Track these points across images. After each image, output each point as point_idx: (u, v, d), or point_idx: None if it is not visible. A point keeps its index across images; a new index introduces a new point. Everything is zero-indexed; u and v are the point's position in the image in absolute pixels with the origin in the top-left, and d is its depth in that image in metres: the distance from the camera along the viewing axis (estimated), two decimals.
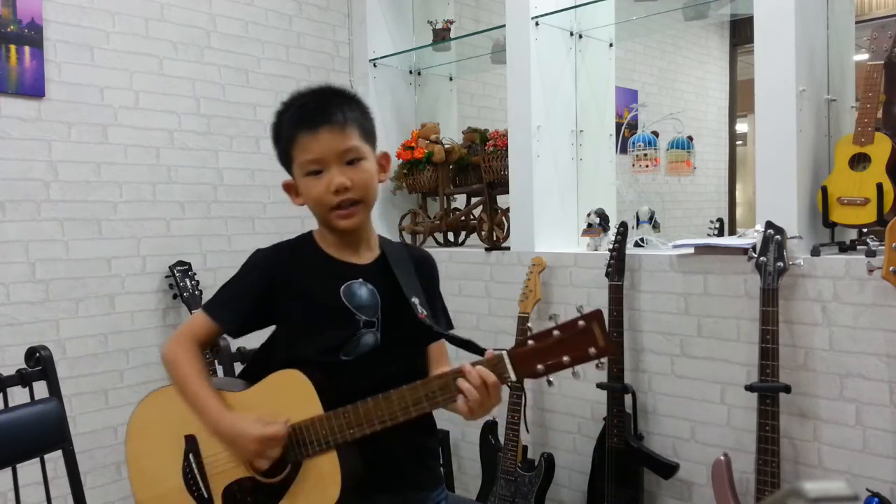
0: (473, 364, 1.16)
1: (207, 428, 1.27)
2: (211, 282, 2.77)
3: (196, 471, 1.30)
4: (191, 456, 1.31)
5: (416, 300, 1.32)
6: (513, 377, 1.14)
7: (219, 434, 1.25)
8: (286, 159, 1.31)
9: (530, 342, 1.13)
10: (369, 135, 1.32)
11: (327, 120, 1.24)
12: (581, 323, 1.11)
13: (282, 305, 1.31)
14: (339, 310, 1.28)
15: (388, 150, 3.24)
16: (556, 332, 1.12)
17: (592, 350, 1.10)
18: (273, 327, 1.39)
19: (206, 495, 1.30)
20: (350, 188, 1.25)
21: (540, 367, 1.12)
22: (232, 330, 1.34)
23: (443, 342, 1.41)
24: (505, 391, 1.21)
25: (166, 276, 2.66)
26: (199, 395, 1.27)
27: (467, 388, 1.14)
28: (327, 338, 1.28)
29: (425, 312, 1.34)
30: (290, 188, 1.35)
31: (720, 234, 2.51)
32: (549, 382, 1.16)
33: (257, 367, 1.38)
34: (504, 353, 1.15)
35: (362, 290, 1.30)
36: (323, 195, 1.26)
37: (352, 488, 1.22)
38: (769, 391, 1.82)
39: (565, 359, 1.11)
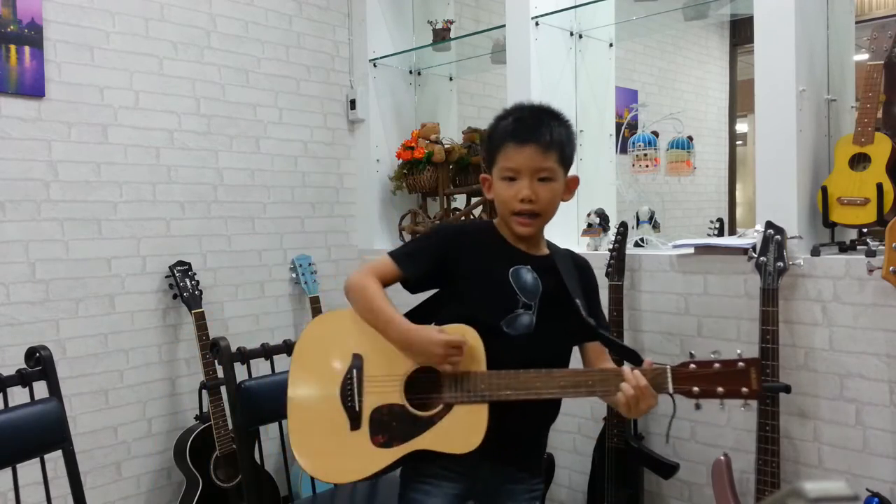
0: (633, 369, 1.30)
1: (396, 338, 1.37)
2: (211, 282, 2.77)
3: (356, 384, 1.39)
4: (354, 371, 1.40)
5: (579, 301, 1.42)
6: (671, 390, 1.28)
7: (409, 342, 1.36)
8: (490, 159, 1.45)
9: (692, 366, 1.28)
10: (567, 159, 1.44)
11: (536, 138, 1.37)
12: (741, 364, 1.25)
13: (458, 271, 1.44)
14: (505, 286, 1.41)
15: (389, 150, 3.30)
16: (717, 365, 1.26)
17: (745, 390, 1.25)
18: (434, 292, 1.51)
19: (357, 409, 1.38)
20: (534, 201, 1.39)
21: (696, 389, 1.27)
22: (411, 280, 1.45)
23: (603, 348, 1.52)
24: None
25: (166, 276, 2.66)
26: (386, 310, 1.39)
27: (626, 387, 1.28)
28: (491, 306, 1.40)
29: (586, 313, 1.43)
30: (485, 181, 1.49)
31: (720, 234, 2.51)
32: (698, 406, 1.29)
33: (422, 316, 1.48)
34: (668, 367, 1.29)
35: (528, 276, 1.43)
36: (510, 200, 1.40)
37: (484, 444, 1.30)
38: (769, 391, 1.82)
39: (719, 390, 1.26)
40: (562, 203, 1.46)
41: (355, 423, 1.38)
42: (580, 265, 1.54)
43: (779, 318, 1.85)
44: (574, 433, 2.53)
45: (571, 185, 1.47)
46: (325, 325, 1.51)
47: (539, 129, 1.38)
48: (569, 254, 1.54)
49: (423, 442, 1.34)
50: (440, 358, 1.32)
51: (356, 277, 1.45)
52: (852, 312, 1.88)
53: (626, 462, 2.21)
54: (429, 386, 1.37)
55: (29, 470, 1.58)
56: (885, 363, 1.84)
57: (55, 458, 1.59)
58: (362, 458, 1.36)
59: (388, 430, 1.36)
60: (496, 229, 1.48)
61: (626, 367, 1.31)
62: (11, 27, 2.28)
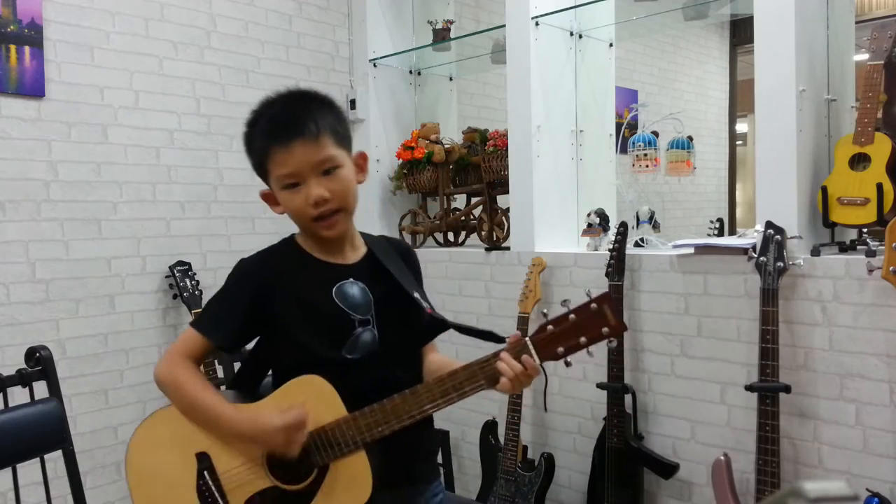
0: (497, 351, 1.20)
1: (230, 433, 1.24)
2: (211, 282, 2.77)
3: (213, 488, 1.26)
4: (206, 473, 1.26)
5: (417, 295, 1.32)
6: (537, 361, 1.19)
7: (241, 435, 1.23)
8: (262, 171, 1.30)
9: (549, 327, 1.19)
10: (344, 138, 1.29)
11: (300, 132, 1.22)
12: (593, 305, 1.18)
13: (275, 313, 1.29)
14: (334, 311, 1.28)
15: (389, 150, 3.30)
16: (571, 316, 1.19)
17: (605, 329, 1.17)
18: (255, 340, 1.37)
19: None
20: (329, 199, 1.25)
21: (560, 349, 1.19)
22: (225, 346, 1.33)
23: (432, 343, 1.44)
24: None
25: (166, 276, 2.66)
26: (208, 404, 1.25)
27: (504, 368, 1.18)
28: (326, 339, 1.28)
29: (430, 306, 1.34)
30: (268, 197, 1.34)
31: (720, 234, 2.51)
32: (567, 363, 1.21)
33: (248, 380, 1.38)
34: (527, 339, 1.20)
35: (354, 290, 1.31)
36: (302, 207, 1.25)
37: (376, 486, 1.22)
38: (769, 391, 1.82)
39: (582, 340, 1.18)
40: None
41: None
42: (402, 251, 1.43)
43: (779, 318, 1.85)
44: (574, 433, 2.53)
45: (361, 163, 1.34)
46: (152, 431, 1.31)
47: (300, 121, 1.22)
48: (386, 242, 1.43)
49: None
50: (282, 444, 1.20)
51: (164, 369, 1.29)
52: (852, 312, 1.88)
53: (626, 462, 2.21)
54: (293, 457, 1.23)
55: (29, 470, 1.58)
56: (885, 363, 1.84)
57: (55, 458, 1.59)
58: None
59: None
60: (302, 249, 1.34)
61: (492, 356, 1.20)
62: (11, 27, 2.28)
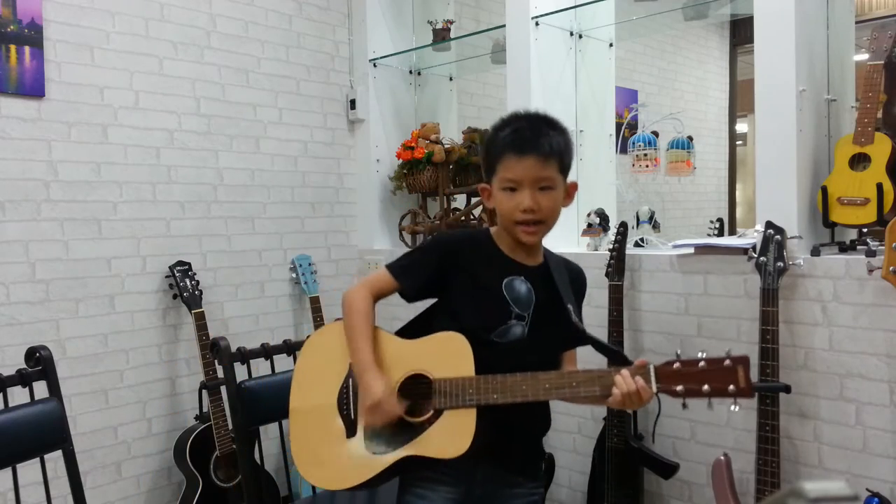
0: (620, 367, 1.29)
1: (355, 371, 1.43)
2: (211, 282, 2.77)
3: (351, 394, 1.45)
4: (350, 381, 1.46)
5: (570, 307, 1.44)
6: (654, 388, 1.26)
7: (359, 380, 1.41)
8: (490, 169, 1.45)
9: (676, 364, 1.26)
10: (566, 167, 1.44)
11: (535, 149, 1.38)
12: (728, 362, 1.22)
13: (452, 284, 1.46)
14: (498, 298, 1.43)
15: (389, 150, 3.30)
16: (702, 363, 1.23)
17: (732, 388, 1.21)
18: (435, 300, 1.54)
19: (352, 417, 1.44)
20: (537, 211, 1.39)
21: (679, 388, 1.24)
22: (410, 293, 1.50)
23: (574, 351, 1.55)
24: None
25: (166, 276, 2.66)
26: (359, 344, 1.43)
27: (619, 381, 1.27)
28: (483, 318, 1.42)
29: (576, 319, 1.44)
30: (485, 191, 1.50)
31: (720, 234, 2.51)
32: (684, 405, 1.26)
33: (415, 330, 1.51)
34: (651, 365, 1.27)
35: (522, 287, 1.45)
36: (512, 211, 1.40)
37: (474, 448, 1.32)
38: (769, 391, 1.82)
39: (705, 388, 1.22)
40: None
41: (351, 431, 1.43)
42: (573, 272, 1.56)
43: (779, 318, 1.85)
44: (574, 433, 2.53)
45: (571, 191, 1.48)
46: (325, 335, 1.55)
47: (538, 140, 1.39)
48: (563, 261, 1.57)
49: (415, 448, 1.36)
50: (366, 409, 1.37)
51: (351, 294, 1.49)
52: (852, 312, 1.88)
53: (626, 462, 2.21)
54: (421, 392, 1.39)
55: (29, 470, 1.58)
56: (885, 363, 1.84)
57: (55, 458, 1.59)
58: (358, 465, 1.39)
59: (381, 436, 1.39)
60: (493, 239, 1.50)
61: (613, 369, 1.30)
62: (11, 27, 2.28)
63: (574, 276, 1.55)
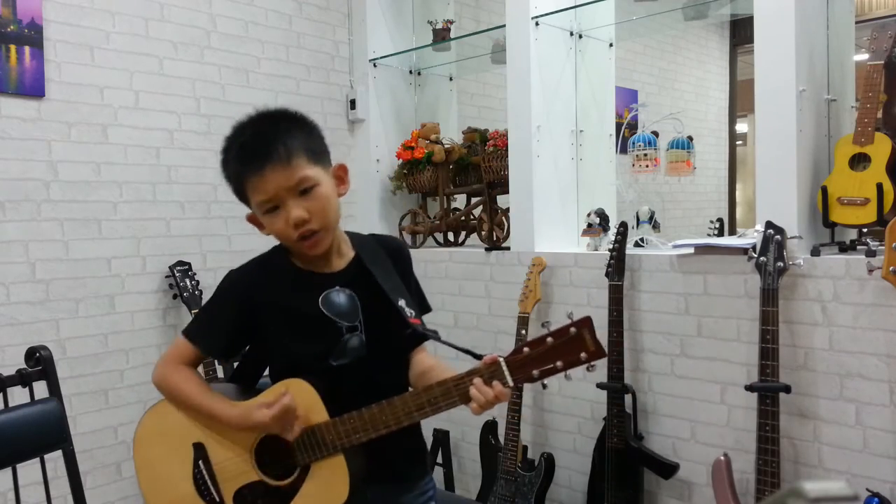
0: (472, 370, 1.21)
1: (228, 426, 1.32)
2: (211, 282, 2.77)
3: (207, 477, 1.36)
4: (200, 463, 1.36)
5: (402, 302, 1.34)
6: (510, 382, 1.19)
7: (241, 427, 1.31)
8: (242, 197, 1.32)
9: (525, 349, 1.19)
10: (318, 155, 1.30)
11: (269, 157, 1.23)
12: (572, 329, 1.16)
13: (263, 322, 1.34)
14: (321, 319, 1.31)
15: (389, 150, 3.30)
16: (549, 339, 1.17)
17: (583, 355, 1.16)
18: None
19: (217, 499, 1.35)
20: (308, 219, 1.26)
21: (535, 372, 1.18)
22: (214, 355, 1.41)
23: (424, 349, 1.45)
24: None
25: (166, 276, 2.66)
26: (203, 404, 1.33)
27: (476, 395, 1.19)
28: (314, 346, 1.32)
29: (413, 314, 1.36)
30: (254, 220, 1.35)
31: (720, 234, 2.51)
32: (544, 385, 1.21)
33: (247, 377, 1.45)
34: (501, 359, 1.20)
35: (340, 297, 1.34)
36: (284, 230, 1.27)
37: (353, 487, 1.27)
38: (769, 391, 1.82)
39: (558, 364, 1.17)
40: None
41: None
42: (390, 249, 1.44)
43: (779, 318, 1.85)
44: (574, 433, 2.53)
45: (342, 175, 1.35)
46: (157, 418, 1.43)
47: (269, 146, 1.24)
48: (375, 242, 1.44)
49: None
50: (280, 429, 1.27)
51: (158, 375, 1.39)
52: (852, 312, 1.88)
53: (626, 462, 2.21)
54: (280, 451, 1.31)
55: (29, 470, 1.58)
56: (885, 363, 1.84)
57: (55, 458, 1.59)
58: None
59: None
60: (289, 260, 1.37)
61: (466, 376, 1.21)
62: (11, 27, 2.28)
63: (392, 253, 1.43)
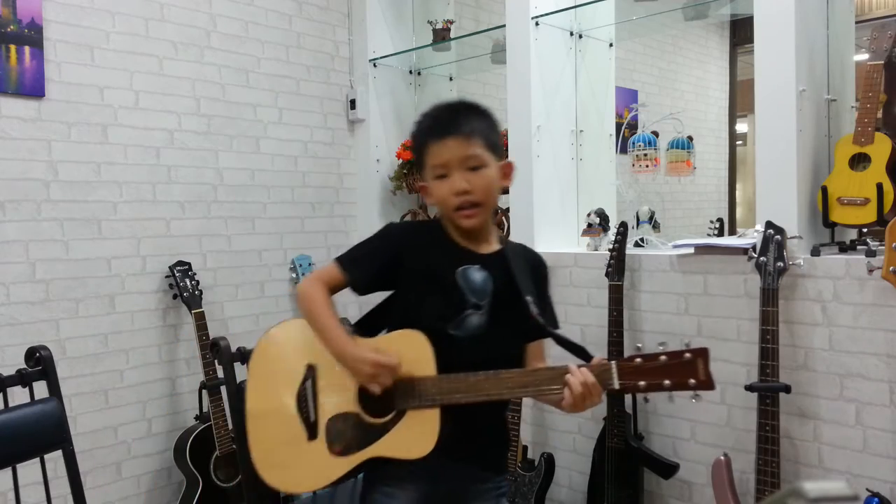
0: (580, 366, 1.27)
1: (333, 353, 1.38)
2: (211, 282, 2.77)
3: (310, 396, 1.42)
4: (308, 382, 1.43)
5: (529, 298, 1.41)
6: (616, 386, 1.26)
7: (342, 358, 1.36)
8: (420, 165, 1.45)
9: (638, 359, 1.25)
10: (493, 146, 1.42)
11: (454, 130, 1.38)
12: (687, 355, 1.22)
13: (405, 274, 1.43)
14: (453, 288, 1.39)
15: (389, 150, 3.29)
16: (662, 357, 1.23)
17: (692, 381, 1.22)
18: (390, 293, 1.50)
19: (312, 419, 1.41)
20: (470, 191, 1.37)
21: (642, 383, 1.24)
22: (358, 285, 1.46)
23: (543, 343, 1.51)
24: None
25: (166, 276, 2.66)
26: (328, 326, 1.40)
27: (574, 382, 1.26)
28: (438, 309, 1.39)
29: (537, 311, 1.42)
30: (423, 189, 1.47)
31: (720, 234, 2.51)
32: (646, 400, 1.29)
33: (373, 323, 1.51)
34: (613, 362, 1.26)
35: (477, 275, 1.41)
36: (447, 197, 1.38)
37: (439, 447, 1.31)
38: (769, 391, 1.82)
39: (666, 382, 1.23)
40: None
41: (312, 434, 1.41)
42: (532, 260, 1.52)
43: (779, 318, 1.85)
44: (574, 433, 2.53)
45: (507, 171, 1.46)
46: (280, 335, 1.50)
47: (457, 121, 1.39)
48: (521, 249, 1.53)
49: (378, 449, 1.35)
50: (368, 377, 1.32)
51: (304, 287, 1.45)
52: (852, 312, 1.88)
53: (626, 462, 2.21)
54: (383, 392, 1.36)
55: (29, 470, 1.58)
56: (885, 363, 1.84)
57: (55, 458, 1.59)
58: (321, 467, 1.38)
59: (343, 438, 1.38)
60: (444, 229, 1.46)
61: (573, 365, 1.29)
62: (11, 27, 2.28)
63: (534, 265, 1.51)
